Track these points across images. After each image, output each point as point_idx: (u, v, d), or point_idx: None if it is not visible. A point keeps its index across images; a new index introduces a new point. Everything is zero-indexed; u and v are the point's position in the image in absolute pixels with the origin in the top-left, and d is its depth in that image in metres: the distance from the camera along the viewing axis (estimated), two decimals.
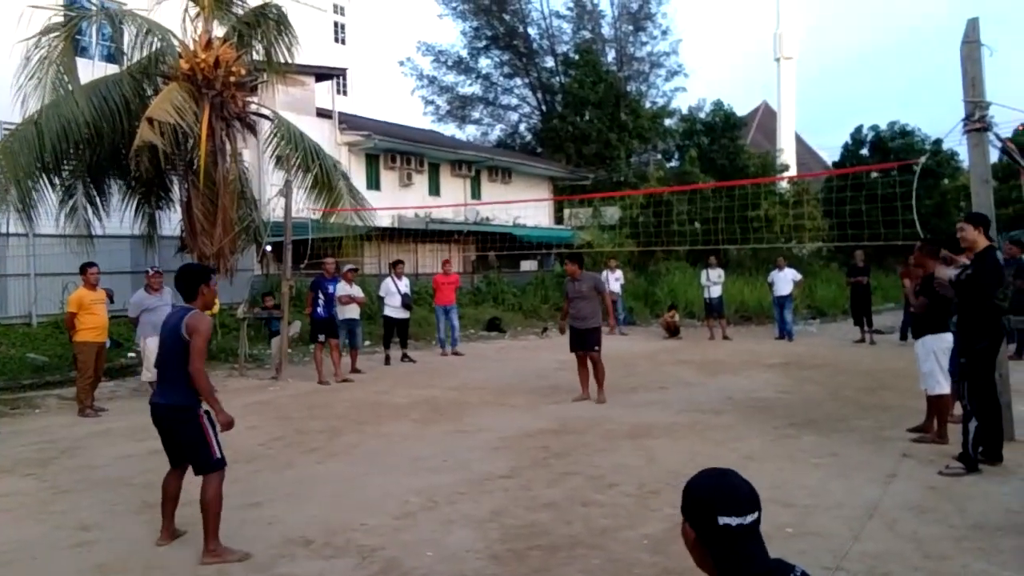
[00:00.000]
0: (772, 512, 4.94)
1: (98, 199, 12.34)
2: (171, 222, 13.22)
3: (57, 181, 11.67)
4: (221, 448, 4.55)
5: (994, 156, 7.53)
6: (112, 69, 12.74)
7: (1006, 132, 8.32)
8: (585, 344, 9.22)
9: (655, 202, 24.00)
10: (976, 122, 6.65)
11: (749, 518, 1.75)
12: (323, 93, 21.81)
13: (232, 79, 11.82)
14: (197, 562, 4.32)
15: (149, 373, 9.67)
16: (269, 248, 14.63)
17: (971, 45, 6.66)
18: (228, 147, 12.01)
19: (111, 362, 11.17)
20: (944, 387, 6.68)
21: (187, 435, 4.52)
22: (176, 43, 11.90)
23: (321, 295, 11.31)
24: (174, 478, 4.74)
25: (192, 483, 4.62)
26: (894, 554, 4.25)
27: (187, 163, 11.99)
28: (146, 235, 13.07)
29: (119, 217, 12.80)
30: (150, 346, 9.65)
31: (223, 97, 11.72)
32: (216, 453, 4.52)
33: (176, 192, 12.74)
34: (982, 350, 5.85)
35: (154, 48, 11.91)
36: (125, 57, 12.59)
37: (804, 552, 4.22)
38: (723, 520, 1.74)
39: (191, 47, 11.76)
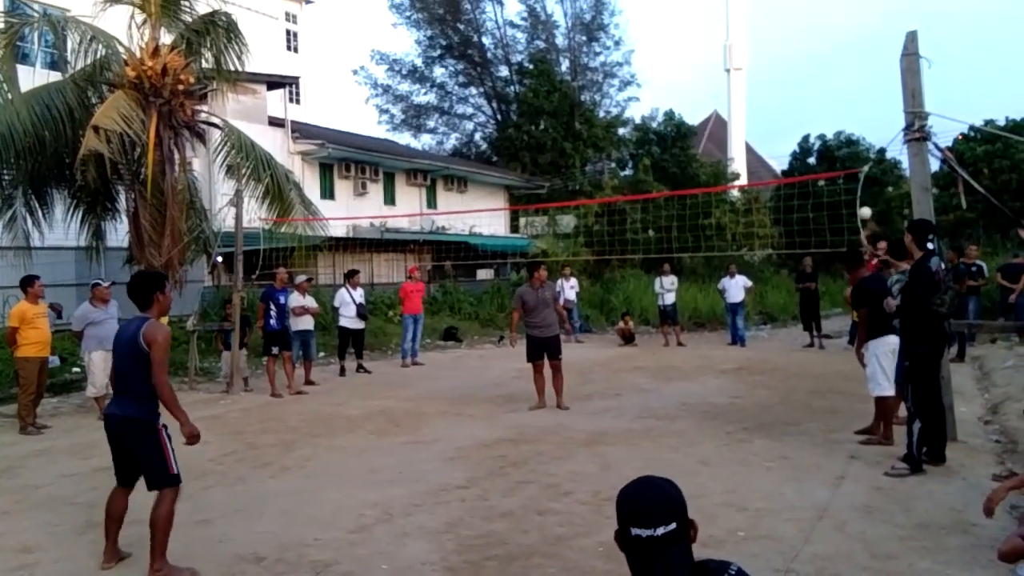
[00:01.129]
0: (725, 516, 5.02)
1: (40, 210, 11.99)
2: (118, 233, 12.90)
3: None
4: (177, 464, 4.45)
5: (935, 165, 7.79)
6: (55, 76, 12.41)
7: (946, 141, 8.61)
8: (551, 352, 9.27)
9: (610, 211, 24.20)
10: (916, 132, 6.85)
11: (661, 530, 1.79)
12: (275, 102, 21.54)
13: (180, 87, 11.61)
14: None
15: (94, 388, 9.43)
16: (220, 259, 14.37)
17: (910, 57, 6.87)
18: (177, 156, 11.78)
19: (54, 377, 10.84)
20: (887, 389, 6.85)
21: (144, 448, 4.39)
22: (122, 50, 11.65)
23: (273, 306, 11.14)
24: (120, 497, 4.57)
25: (138, 502, 4.49)
26: (843, 555, 4.33)
27: (134, 172, 11.73)
28: (91, 247, 12.73)
29: (63, 228, 12.45)
30: (95, 360, 9.40)
31: (171, 105, 11.50)
32: (173, 468, 4.40)
33: (123, 202, 12.43)
34: (924, 354, 6.02)
35: (99, 55, 11.64)
36: (69, 64, 12.27)
37: (756, 555, 4.27)
38: (634, 531, 1.81)
39: (138, 54, 11.52)
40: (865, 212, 7.63)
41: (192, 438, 4.50)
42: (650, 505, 1.83)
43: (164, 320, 11.58)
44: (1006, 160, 26.94)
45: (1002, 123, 26.93)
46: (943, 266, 6.20)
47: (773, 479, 5.96)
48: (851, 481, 5.83)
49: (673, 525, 1.81)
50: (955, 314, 6.38)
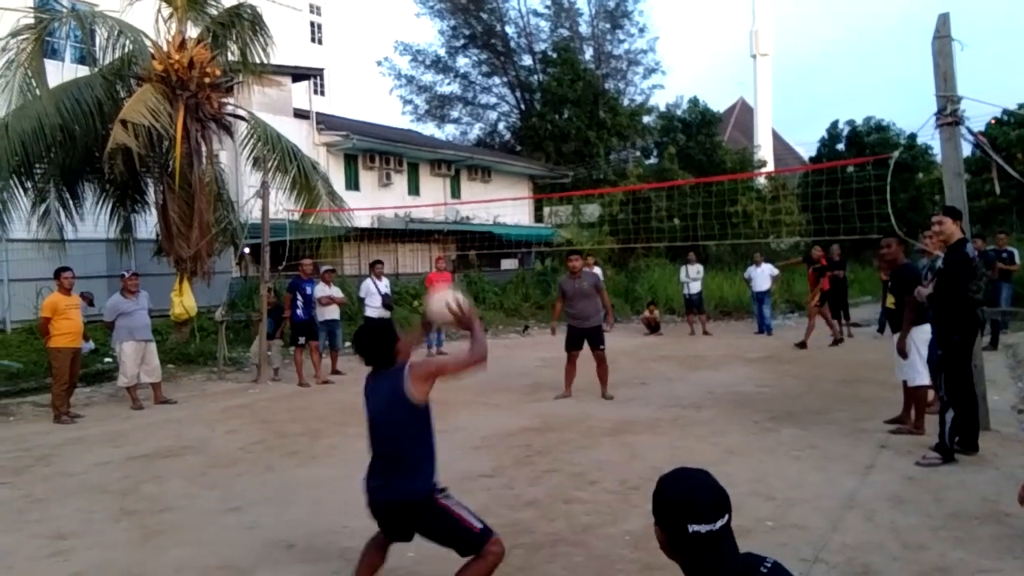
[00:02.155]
0: (753, 505, 4.99)
1: (71, 203, 12.17)
2: (147, 225, 13.08)
3: (29, 185, 11.49)
4: (478, 517, 3.51)
5: (967, 150, 7.63)
6: (83, 71, 12.57)
7: (979, 126, 8.43)
8: (593, 342, 9.19)
9: (634, 199, 24.06)
10: (948, 116, 6.73)
11: (719, 523, 1.77)
12: (300, 93, 21.66)
13: (207, 80, 11.71)
14: (176, 568, 4.27)
15: (126, 378, 9.59)
16: (247, 250, 14.51)
17: (942, 40, 6.73)
18: (204, 149, 11.90)
19: (87, 367, 11.04)
20: (924, 378, 6.75)
21: (436, 528, 3.49)
22: (149, 44, 11.76)
23: (299, 297, 11.23)
24: (376, 550, 3.75)
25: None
26: (873, 545, 4.29)
27: (162, 165, 11.86)
28: (121, 239, 12.91)
29: (93, 221, 12.64)
30: (127, 351, 9.56)
31: (198, 98, 11.60)
32: (476, 524, 3.45)
33: (151, 195, 12.59)
34: (957, 342, 5.92)
35: (126, 50, 11.75)
36: (97, 59, 12.43)
37: (784, 544, 4.24)
38: (693, 528, 1.76)
39: (164, 48, 11.63)
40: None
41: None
42: (705, 499, 1.80)
43: (193, 312, 11.73)
44: None
45: None
46: (975, 252, 6.09)
47: (801, 468, 5.91)
48: (881, 470, 5.76)
49: (726, 517, 1.80)
50: (988, 301, 6.26)
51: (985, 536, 4.35)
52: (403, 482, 3.44)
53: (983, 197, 22.03)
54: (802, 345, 13.43)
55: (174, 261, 11.91)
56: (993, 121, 25.10)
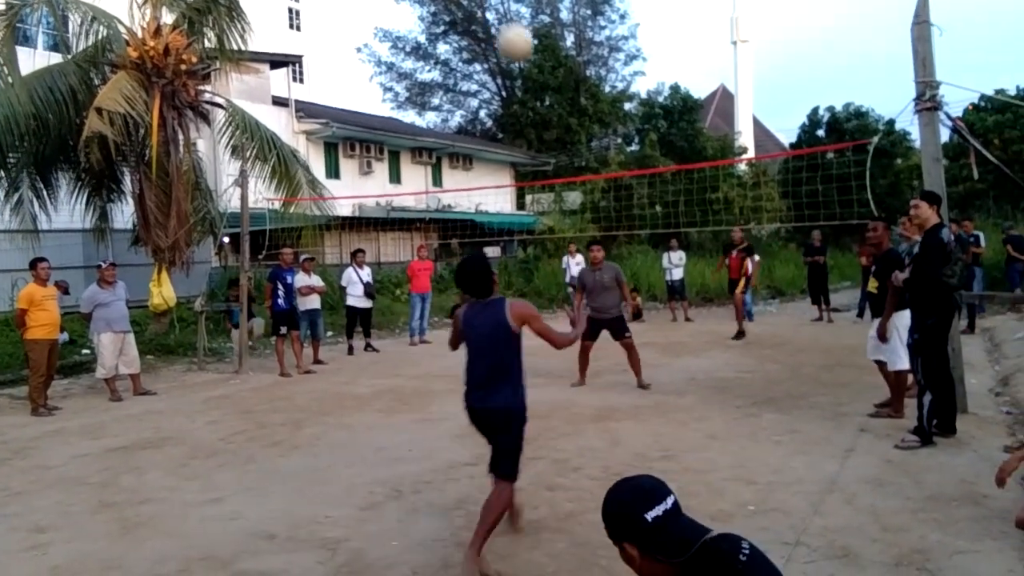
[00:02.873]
0: (735, 490, 5.02)
1: (45, 192, 12.00)
2: (124, 215, 12.92)
3: (1, 174, 11.31)
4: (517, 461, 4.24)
5: (945, 135, 7.68)
6: (56, 58, 12.37)
7: (957, 111, 8.49)
8: (614, 334, 8.98)
9: (616, 186, 24.07)
10: (927, 101, 6.75)
11: (670, 500, 1.84)
12: (279, 81, 21.45)
13: (183, 67, 11.56)
14: (155, 560, 4.23)
15: (104, 370, 9.48)
16: (227, 240, 14.38)
17: (921, 25, 6.75)
18: (181, 137, 11.75)
19: (64, 359, 10.91)
20: (904, 362, 6.79)
21: (506, 441, 4.18)
22: (123, 31, 11.58)
23: (280, 286, 11.15)
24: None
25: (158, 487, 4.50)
26: (853, 527, 4.32)
27: (139, 154, 11.70)
28: (98, 228, 12.75)
29: (69, 210, 12.47)
30: (104, 342, 9.45)
31: (174, 86, 11.45)
32: (520, 465, 4.24)
33: (128, 184, 12.43)
34: (933, 326, 5.97)
35: (100, 36, 11.57)
36: (70, 46, 12.22)
37: (766, 528, 4.27)
38: (651, 515, 1.81)
39: (139, 35, 11.45)
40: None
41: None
42: (648, 486, 1.88)
43: (172, 303, 11.63)
44: (1016, 130, 26.67)
45: (1012, 92, 26.60)
46: (952, 236, 6.13)
47: (782, 452, 5.95)
48: (860, 454, 5.81)
49: (673, 495, 1.86)
50: (963, 285, 6.31)
51: (963, 518, 4.40)
52: (503, 391, 4.14)
53: (960, 183, 22.27)
54: (739, 335, 12.99)
55: (152, 251, 11.78)
56: (971, 107, 25.35)
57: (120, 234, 13.13)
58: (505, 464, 4.15)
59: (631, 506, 1.84)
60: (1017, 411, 7.06)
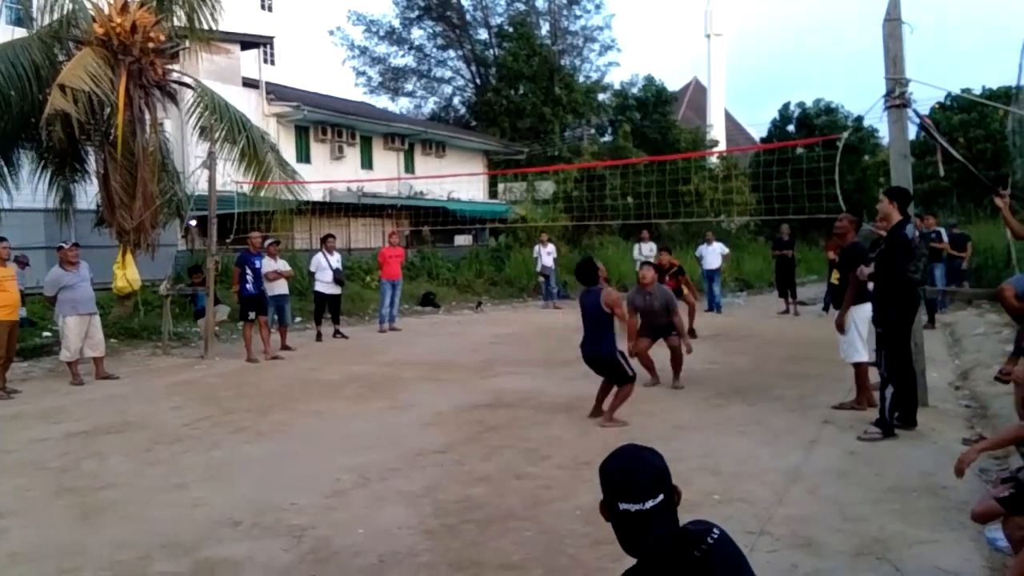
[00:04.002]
0: (701, 480, 5.07)
1: (6, 171, 11.69)
2: (88, 195, 12.64)
3: None
4: (631, 365, 6.84)
5: (913, 133, 7.78)
6: (20, 33, 12.03)
7: (924, 109, 8.61)
8: (663, 332, 8.49)
9: (589, 176, 24.13)
10: (896, 98, 6.84)
11: (649, 503, 1.78)
12: (249, 62, 21.10)
13: (151, 45, 11.30)
14: (116, 546, 4.17)
15: (68, 352, 9.28)
16: (194, 223, 14.15)
17: (892, 23, 6.83)
18: (148, 117, 11.51)
19: (24, 342, 10.66)
20: (862, 355, 6.92)
21: (609, 371, 6.82)
22: (89, 6, 11.29)
23: (249, 271, 10.99)
24: (604, 385, 6.96)
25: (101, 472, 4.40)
26: (816, 517, 4.39)
27: (104, 133, 11.44)
28: (61, 209, 12.46)
29: (31, 190, 12.17)
30: (70, 324, 9.25)
31: (141, 64, 11.20)
32: (629, 371, 6.75)
33: (92, 164, 12.14)
34: (896, 321, 6.07)
35: (65, 11, 11.28)
36: (34, 21, 11.89)
37: (731, 517, 4.32)
38: (623, 506, 1.79)
39: (106, 11, 11.17)
40: None
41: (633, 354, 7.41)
42: (637, 480, 1.81)
43: (137, 286, 11.47)
44: (981, 130, 27.21)
45: (978, 92, 27.11)
46: (916, 233, 6.23)
47: (747, 443, 6.02)
48: (824, 445, 5.90)
49: (661, 497, 1.80)
50: (925, 281, 6.43)
51: (923, 508, 4.49)
52: (598, 346, 6.80)
53: (926, 180, 22.63)
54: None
55: (116, 233, 11.55)
56: (937, 106, 25.79)
57: (84, 215, 12.85)
58: (617, 379, 6.81)
59: (612, 487, 1.83)
60: (976, 404, 7.21)
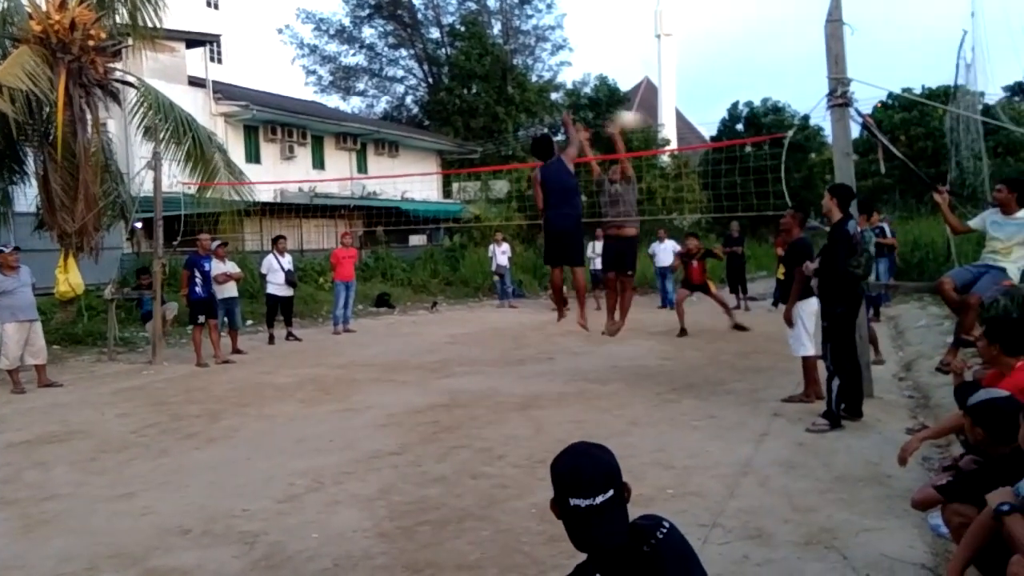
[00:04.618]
0: (654, 474, 5.13)
1: None
2: (27, 197, 12.23)
3: None
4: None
5: (856, 131, 7.98)
6: None
7: (867, 109, 8.82)
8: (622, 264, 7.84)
9: None
10: (839, 98, 7.00)
11: (600, 498, 1.79)
12: (195, 60, 20.68)
13: (91, 43, 11.00)
14: (61, 559, 4.04)
15: (7, 360, 8.98)
16: (139, 225, 13.82)
17: (834, 23, 6.99)
18: (89, 116, 11.21)
19: None
20: (808, 349, 7.08)
21: (575, 243, 7.19)
22: (26, 2, 10.95)
23: (197, 274, 10.76)
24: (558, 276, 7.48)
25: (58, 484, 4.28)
26: (766, 508, 4.47)
27: (43, 133, 11.11)
28: None
29: None
30: (9, 332, 8.95)
31: (81, 62, 10.89)
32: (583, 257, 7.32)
33: (31, 165, 11.78)
34: (840, 314, 6.23)
35: (1, 8, 10.91)
36: None
37: (684, 511, 4.38)
38: (573, 502, 1.80)
39: (43, 7, 10.84)
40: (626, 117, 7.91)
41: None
42: (587, 475, 1.82)
43: (80, 290, 11.15)
44: (921, 128, 27.99)
45: (918, 91, 27.90)
46: (859, 229, 6.39)
47: (700, 437, 6.11)
48: (774, 437, 6.02)
49: (611, 492, 1.81)
50: (867, 275, 6.59)
51: (869, 497, 4.61)
52: (566, 210, 6.89)
53: (869, 177, 23.20)
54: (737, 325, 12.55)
55: (58, 236, 11.22)
56: (879, 105, 26.46)
57: (23, 218, 12.43)
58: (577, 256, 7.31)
59: (562, 482, 1.84)
60: (919, 395, 7.43)
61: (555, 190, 6.83)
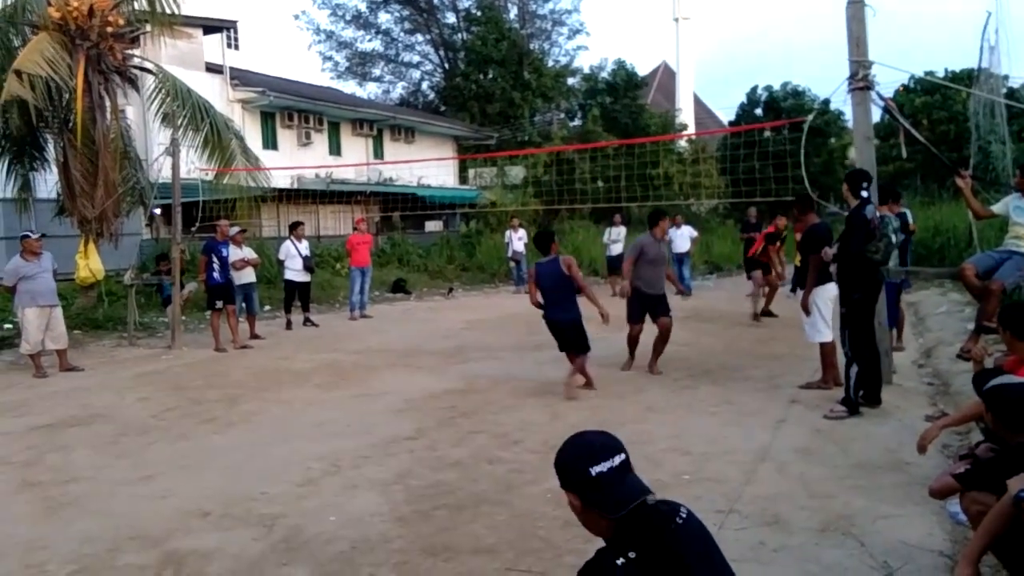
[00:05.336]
0: (671, 460, 5.12)
1: None
2: (48, 184, 12.38)
3: None
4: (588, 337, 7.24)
5: (877, 115, 7.87)
6: None
7: (888, 92, 8.70)
8: (659, 311, 8.38)
9: (559, 161, 24.11)
10: (860, 81, 6.90)
11: (617, 459, 1.89)
12: (213, 47, 20.72)
13: (109, 30, 11.07)
14: (83, 540, 4.10)
15: (28, 345, 9.11)
16: (158, 211, 13.92)
17: (856, 5, 6.88)
18: (108, 103, 11.29)
19: None
20: (825, 335, 7.01)
21: (573, 336, 7.20)
22: None
23: (216, 259, 10.84)
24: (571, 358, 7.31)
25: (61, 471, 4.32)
26: (783, 495, 4.46)
27: (63, 120, 11.21)
28: (19, 198, 12.18)
29: None
30: (30, 317, 9.06)
31: (100, 49, 10.97)
32: (588, 343, 7.27)
33: (52, 151, 11.89)
34: (858, 300, 6.17)
35: None
36: None
37: (700, 497, 4.37)
38: (595, 470, 1.87)
39: None
40: None
41: (607, 318, 7.20)
42: (598, 443, 1.93)
43: (100, 276, 11.27)
44: (944, 111, 27.59)
45: (941, 75, 27.48)
46: (877, 214, 6.31)
47: (717, 423, 6.09)
48: (791, 424, 5.99)
49: (623, 454, 1.91)
50: (886, 261, 6.51)
51: (887, 484, 4.57)
52: (564, 312, 7.16)
53: (890, 162, 22.93)
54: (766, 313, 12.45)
55: (78, 222, 11.34)
56: (901, 88, 26.09)
57: (43, 204, 12.58)
58: (578, 346, 7.26)
59: (578, 459, 1.90)
60: (938, 382, 7.36)
61: (550, 287, 7.23)
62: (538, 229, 23.27)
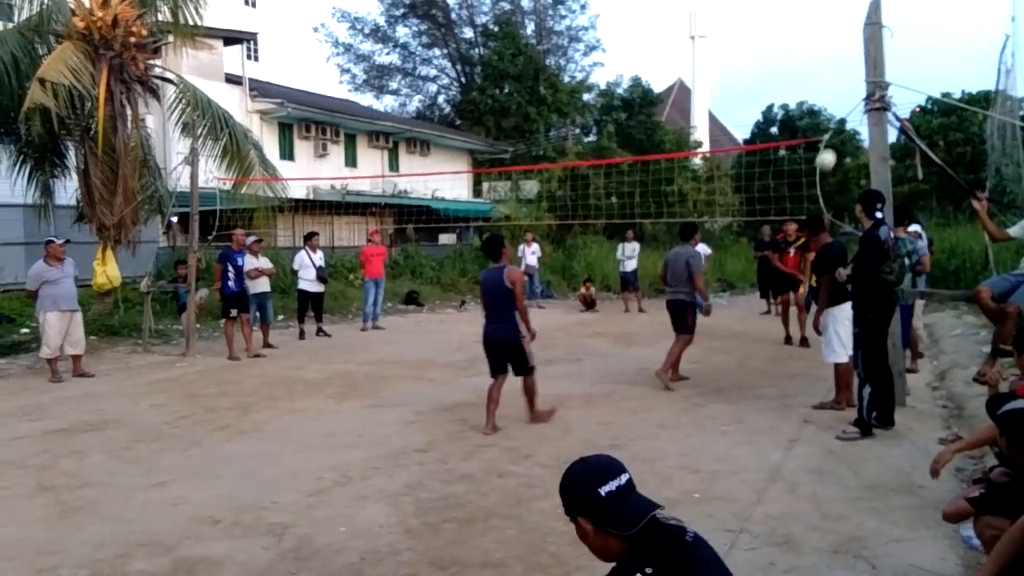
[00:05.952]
0: (681, 478, 5.10)
1: None
2: (68, 190, 12.53)
3: None
4: (532, 356, 6.60)
5: (893, 136, 7.86)
6: None
7: (904, 113, 8.68)
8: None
9: (573, 176, 24.15)
10: (876, 101, 6.90)
11: (624, 477, 1.93)
12: (232, 58, 20.96)
13: (132, 40, 11.24)
14: (95, 545, 4.14)
15: (48, 349, 9.18)
16: (175, 219, 14.04)
17: (873, 26, 6.89)
18: (129, 112, 11.44)
19: (1, 338, 10.55)
20: (840, 355, 6.98)
21: (513, 357, 6.53)
22: (70, 0, 11.19)
23: (231, 268, 10.92)
24: (497, 387, 6.57)
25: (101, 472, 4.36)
26: (795, 515, 4.43)
27: (84, 128, 11.36)
28: (40, 204, 12.34)
29: (10, 185, 12.04)
30: (50, 321, 9.14)
31: (122, 59, 11.13)
32: (531, 362, 6.57)
33: (72, 159, 12.06)
34: (872, 321, 6.14)
35: (45, 4, 11.18)
36: (14, 12, 11.76)
37: (710, 516, 4.35)
38: (604, 490, 1.89)
39: (87, 4, 11.08)
40: (827, 159, 7.50)
41: (534, 336, 6.58)
42: (604, 463, 1.97)
43: (117, 282, 11.37)
44: (960, 133, 27.46)
45: (958, 96, 27.37)
46: (891, 235, 6.29)
47: (728, 442, 6.06)
48: (803, 444, 5.95)
49: (628, 474, 1.94)
50: (900, 282, 6.48)
51: (899, 506, 4.54)
52: (502, 326, 6.49)
53: (906, 183, 22.83)
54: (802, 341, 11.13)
55: (96, 229, 11.47)
56: (918, 109, 25.99)
57: (63, 210, 12.73)
58: (520, 368, 6.61)
59: (586, 482, 1.92)
60: (952, 405, 7.29)
61: (489, 300, 6.63)
62: (561, 249, 23.45)
